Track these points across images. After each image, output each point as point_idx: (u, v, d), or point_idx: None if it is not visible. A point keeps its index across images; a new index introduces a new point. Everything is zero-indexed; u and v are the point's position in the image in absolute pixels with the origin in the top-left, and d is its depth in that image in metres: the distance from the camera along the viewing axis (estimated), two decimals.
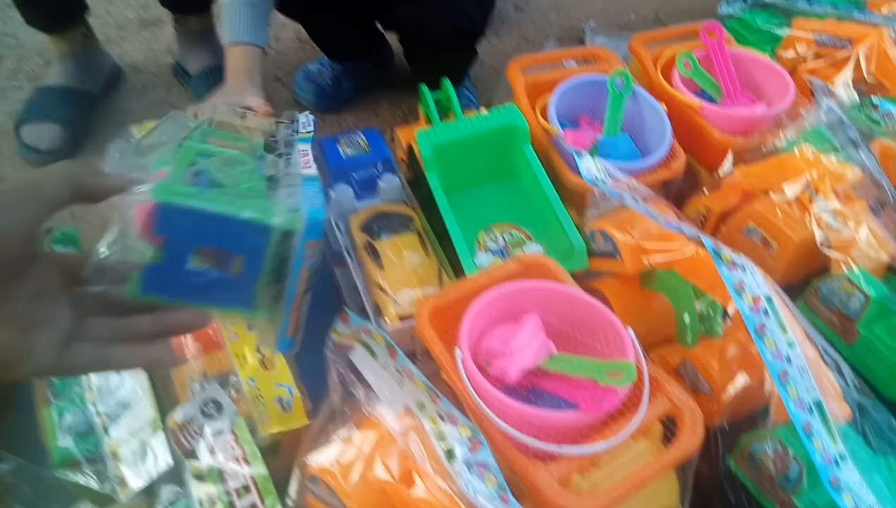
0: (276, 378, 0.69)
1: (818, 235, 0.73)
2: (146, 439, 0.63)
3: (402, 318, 0.78)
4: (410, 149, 0.96)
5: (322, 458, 0.52)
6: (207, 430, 0.61)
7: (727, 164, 0.87)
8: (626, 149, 0.89)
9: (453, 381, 0.61)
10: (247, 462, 0.59)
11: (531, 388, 0.66)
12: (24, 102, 1.14)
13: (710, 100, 0.98)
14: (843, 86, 0.96)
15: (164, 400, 0.69)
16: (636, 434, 0.58)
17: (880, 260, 0.71)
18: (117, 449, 0.63)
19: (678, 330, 0.71)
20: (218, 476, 0.59)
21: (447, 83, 0.96)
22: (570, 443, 0.56)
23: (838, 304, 0.73)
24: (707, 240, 0.63)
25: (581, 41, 1.39)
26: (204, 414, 0.62)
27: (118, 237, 0.43)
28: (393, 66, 1.32)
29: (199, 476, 0.59)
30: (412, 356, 0.73)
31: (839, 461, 0.55)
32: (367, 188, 0.93)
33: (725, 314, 0.69)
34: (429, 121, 1.00)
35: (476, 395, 0.56)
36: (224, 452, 0.60)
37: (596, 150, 0.87)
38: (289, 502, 0.56)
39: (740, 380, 0.62)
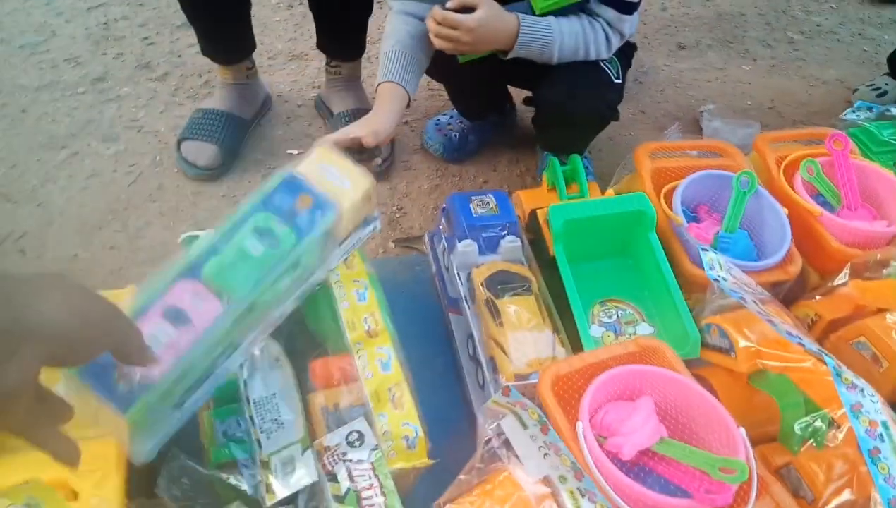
0: (405, 417, 0.76)
1: None
2: (295, 455, 0.71)
3: (517, 377, 0.84)
4: (533, 213, 1.04)
5: (459, 507, 0.59)
6: (350, 458, 0.69)
7: (843, 275, 0.90)
8: (744, 246, 0.94)
9: (573, 451, 0.67)
10: (382, 493, 0.67)
11: (640, 466, 0.71)
12: (187, 120, 1.27)
13: (829, 207, 1.01)
14: None
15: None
16: None
17: None
18: (268, 460, 0.71)
19: (783, 433, 0.75)
20: (355, 500, 0.66)
21: (577, 161, 1.03)
22: None
23: None
24: (830, 359, 0.68)
25: (696, 121, 1.44)
26: (348, 442, 0.70)
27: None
28: (516, 125, 1.40)
29: (338, 498, 0.67)
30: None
31: None
32: (491, 245, 1.00)
33: (831, 425, 0.72)
34: (553, 188, 1.07)
35: (600, 475, 0.62)
36: (361, 480, 0.67)
37: (715, 244, 0.92)
38: None
39: (846, 496, 0.66)
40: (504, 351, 0.86)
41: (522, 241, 1.00)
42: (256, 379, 0.77)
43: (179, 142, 1.23)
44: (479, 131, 1.32)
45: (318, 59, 1.36)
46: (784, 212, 0.95)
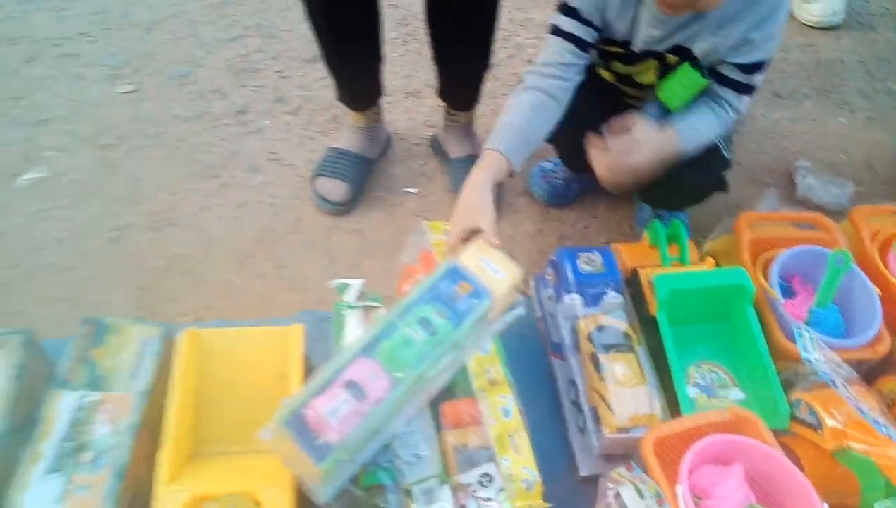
0: (524, 462, 0.89)
1: None
2: (434, 487, 0.85)
3: (618, 430, 0.96)
4: (635, 272, 1.14)
5: None
6: (480, 496, 0.83)
7: None
8: (834, 322, 1.02)
9: None
10: None
11: None
12: (321, 157, 1.42)
13: None
14: None
15: None
16: None
17: None
18: (410, 489, 0.85)
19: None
20: None
21: (680, 227, 1.12)
22: None
23: None
24: None
25: (790, 175, 1.50)
26: (480, 482, 0.84)
27: None
28: None
29: None
30: (612, 460, 0.91)
31: None
32: (595, 300, 1.11)
33: None
34: (654, 245, 1.16)
35: None
36: None
37: (808, 321, 1.01)
38: None
39: None
40: (607, 405, 0.98)
41: (625, 298, 1.11)
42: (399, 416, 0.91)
43: (314, 178, 1.39)
44: (581, 180, 1.42)
45: (433, 97, 1.48)
46: (876, 292, 1.02)
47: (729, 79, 1.08)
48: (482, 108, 1.48)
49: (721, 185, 1.21)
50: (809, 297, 1.05)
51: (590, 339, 1.06)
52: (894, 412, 0.98)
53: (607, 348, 1.04)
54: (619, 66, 1.17)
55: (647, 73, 1.15)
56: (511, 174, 1.04)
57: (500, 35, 1.80)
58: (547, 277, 1.21)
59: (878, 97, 1.70)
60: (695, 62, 1.08)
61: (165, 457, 0.85)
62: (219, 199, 1.40)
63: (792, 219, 1.16)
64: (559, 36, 1.05)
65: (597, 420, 0.99)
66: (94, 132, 1.50)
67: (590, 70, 1.16)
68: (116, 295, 1.23)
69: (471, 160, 1.34)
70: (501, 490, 0.84)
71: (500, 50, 1.78)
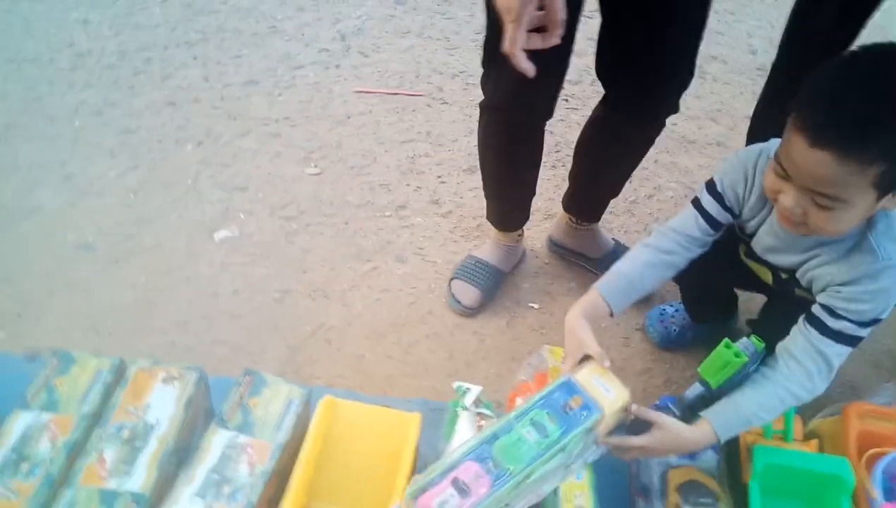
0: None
1: None
2: None
3: None
4: (736, 436, 1.18)
5: None
6: None
7: None
8: None
9: None
10: None
11: None
12: (461, 262, 1.59)
13: None
14: None
15: None
16: None
17: None
18: None
19: None
20: None
21: (791, 420, 1.16)
22: None
23: None
24: None
25: None
26: None
27: None
28: (735, 325, 1.54)
29: None
30: None
31: None
32: (690, 452, 1.17)
33: None
34: None
35: None
36: None
37: None
38: None
39: None
40: None
41: (720, 458, 1.16)
42: None
43: (452, 280, 1.56)
44: (697, 329, 1.49)
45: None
46: None
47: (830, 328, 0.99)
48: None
49: None
50: None
51: (678, 490, 1.12)
52: None
53: (694, 503, 1.09)
54: (744, 253, 1.18)
55: (765, 275, 1.17)
56: (611, 315, 1.09)
57: (643, 174, 1.94)
58: None
59: None
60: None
61: (286, 503, 1.00)
62: (367, 281, 1.60)
63: None
64: (697, 210, 1.11)
65: None
66: (280, 203, 1.78)
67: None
68: (270, 347, 1.44)
69: (613, 256, 1.53)
70: None
71: (641, 188, 1.91)
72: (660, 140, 1.41)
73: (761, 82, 1.45)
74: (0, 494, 0.98)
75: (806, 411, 1.27)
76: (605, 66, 1.27)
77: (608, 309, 1.08)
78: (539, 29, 0.87)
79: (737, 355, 1.00)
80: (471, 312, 1.53)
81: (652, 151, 1.44)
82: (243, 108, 2.08)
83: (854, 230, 0.96)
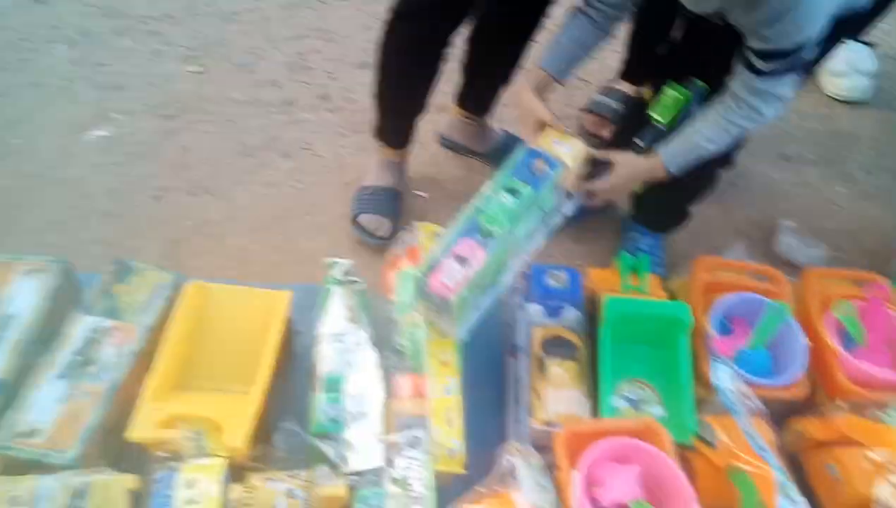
0: (453, 434, 1.03)
1: (877, 496, 0.92)
2: (370, 443, 0.99)
3: (545, 423, 1.08)
4: (596, 294, 1.26)
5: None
6: (407, 454, 0.97)
7: (841, 408, 1.06)
8: (761, 364, 1.12)
9: (563, 491, 0.91)
10: (424, 485, 0.94)
11: None
12: (356, 197, 1.51)
13: (853, 344, 1.16)
14: None
15: None
16: None
17: None
18: (351, 440, 1.00)
19: None
20: (404, 484, 0.94)
21: (645, 261, 1.24)
22: None
23: None
24: (782, 475, 0.87)
25: (773, 231, 1.58)
26: (408, 442, 0.98)
27: None
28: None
29: (393, 480, 0.95)
30: (540, 451, 1.04)
31: None
32: (555, 312, 1.24)
33: None
34: (620, 274, 1.28)
35: None
36: (412, 471, 0.95)
37: (737, 357, 1.11)
38: None
39: None
40: (540, 401, 1.11)
41: (583, 314, 1.23)
42: (354, 379, 1.06)
43: (356, 217, 1.48)
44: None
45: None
46: (806, 344, 1.12)
47: (752, 66, 1.02)
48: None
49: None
50: (744, 339, 1.15)
51: (542, 344, 1.19)
52: (800, 446, 1.08)
53: (553, 354, 1.17)
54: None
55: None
56: (558, 83, 1.19)
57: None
58: (520, 287, 1.34)
59: (881, 174, 1.77)
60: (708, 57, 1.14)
61: (151, 380, 1.02)
62: (252, 177, 1.59)
63: (747, 269, 1.25)
64: None
65: (529, 413, 1.11)
66: (159, 102, 1.72)
67: None
68: (150, 244, 1.43)
69: (498, 151, 1.56)
70: (426, 452, 0.98)
71: None
72: (555, 16, 1.38)
73: None
74: None
75: (674, 275, 1.37)
76: None
77: (553, 80, 1.18)
78: None
79: (681, 92, 1.17)
80: (385, 242, 1.45)
81: (545, 34, 1.43)
82: (121, 5, 1.97)
83: None
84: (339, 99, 1.80)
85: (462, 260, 1.05)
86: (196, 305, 1.13)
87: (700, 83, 1.16)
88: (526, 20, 1.39)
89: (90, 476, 0.92)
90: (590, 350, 1.19)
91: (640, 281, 1.25)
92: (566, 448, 0.96)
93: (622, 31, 1.44)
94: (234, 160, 1.62)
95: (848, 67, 1.93)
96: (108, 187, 1.52)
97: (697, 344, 1.14)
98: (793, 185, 1.71)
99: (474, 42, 1.45)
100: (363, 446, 0.99)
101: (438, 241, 1.10)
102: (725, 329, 1.18)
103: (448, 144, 1.68)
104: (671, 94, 1.19)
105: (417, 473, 0.94)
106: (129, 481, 0.93)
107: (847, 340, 1.17)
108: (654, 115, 1.22)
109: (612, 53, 1.73)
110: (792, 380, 1.09)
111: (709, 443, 1.00)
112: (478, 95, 1.58)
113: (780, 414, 1.11)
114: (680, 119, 1.19)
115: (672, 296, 1.26)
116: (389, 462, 0.97)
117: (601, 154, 1.19)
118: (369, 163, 1.56)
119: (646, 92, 1.32)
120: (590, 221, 1.55)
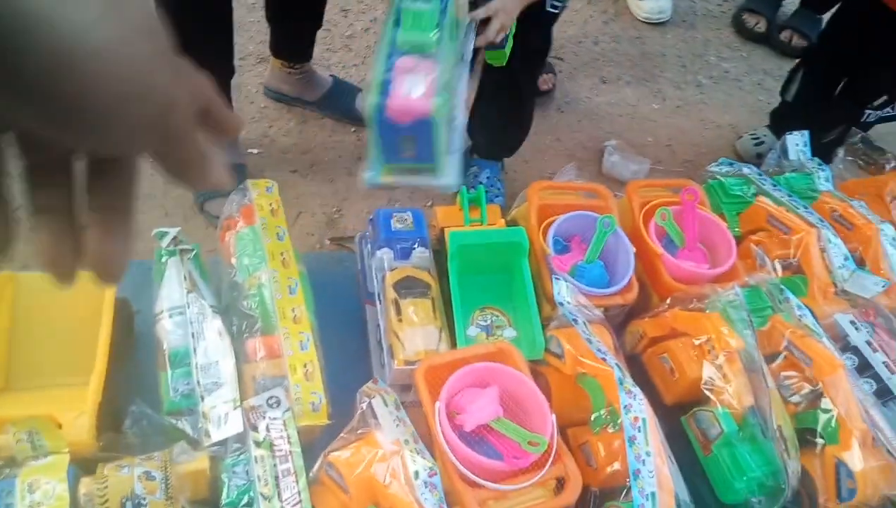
0: (313, 387, 1.01)
1: (705, 377, 1.04)
2: (228, 411, 0.96)
3: (406, 363, 1.10)
4: (443, 231, 1.28)
5: (340, 454, 0.85)
6: (268, 415, 0.94)
7: (666, 304, 1.17)
8: (597, 275, 1.20)
9: (429, 423, 0.93)
10: (289, 442, 0.92)
11: (480, 437, 0.98)
12: None
13: (674, 247, 1.28)
14: (778, 261, 1.26)
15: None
16: (536, 484, 0.91)
17: (738, 407, 1.02)
18: (208, 412, 0.96)
19: (592, 420, 1.03)
20: (269, 446, 0.92)
21: (482, 192, 1.28)
22: (493, 482, 0.89)
23: (704, 428, 1.04)
24: (618, 371, 0.95)
25: (601, 152, 1.69)
26: (268, 404, 0.95)
27: None
28: None
29: (257, 443, 0.92)
30: (408, 389, 1.06)
31: None
32: (405, 254, 1.25)
33: (615, 416, 1.00)
34: (462, 209, 1.31)
35: (443, 439, 0.89)
36: (275, 431, 0.93)
37: (574, 271, 1.19)
38: (311, 474, 0.89)
39: (616, 465, 0.94)
40: (400, 342, 1.12)
41: (430, 253, 1.25)
42: (203, 348, 1.01)
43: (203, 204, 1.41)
44: None
45: None
46: (632, 250, 1.21)
47: None
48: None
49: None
50: (581, 255, 1.23)
51: (394, 287, 1.19)
52: (639, 347, 1.18)
53: (407, 295, 1.18)
54: None
55: None
56: None
57: (359, 7, 1.90)
58: (368, 234, 1.33)
59: (688, 88, 1.93)
60: None
61: None
62: None
63: (575, 188, 1.33)
64: None
65: (391, 355, 1.12)
66: None
67: None
68: None
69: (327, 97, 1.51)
70: (287, 410, 0.96)
71: (357, 22, 1.88)
72: None
73: None
74: None
75: (511, 200, 1.42)
76: None
77: None
78: None
79: None
80: None
81: None
82: None
83: None
84: None
85: (413, 70, 0.91)
86: (9, 299, 1.01)
87: None
88: None
89: None
90: (442, 286, 1.21)
91: (481, 213, 1.29)
92: (426, 382, 0.98)
93: None
94: None
95: None
96: None
97: (540, 265, 1.20)
98: (613, 107, 1.83)
99: None
100: (221, 416, 0.96)
101: (374, 67, 0.94)
102: (563, 247, 1.25)
103: (275, 96, 1.61)
104: None
105: (280, 432, 0.93)
106: None
107: (669, 243, 1.28)
108: None
109: None
110: (623, 286, 1.18)
111: (557, 355, 1.07)
112: (290, 41, 1.51)
113: (621, 319, 1.21)
114: None
115: (513, 224, 1.31)
116: (254, 428, 0.94)
117: None
118: None
119: None
120: None
